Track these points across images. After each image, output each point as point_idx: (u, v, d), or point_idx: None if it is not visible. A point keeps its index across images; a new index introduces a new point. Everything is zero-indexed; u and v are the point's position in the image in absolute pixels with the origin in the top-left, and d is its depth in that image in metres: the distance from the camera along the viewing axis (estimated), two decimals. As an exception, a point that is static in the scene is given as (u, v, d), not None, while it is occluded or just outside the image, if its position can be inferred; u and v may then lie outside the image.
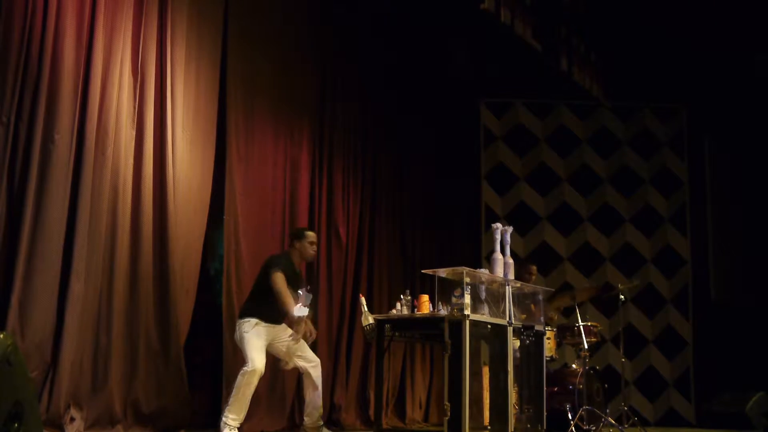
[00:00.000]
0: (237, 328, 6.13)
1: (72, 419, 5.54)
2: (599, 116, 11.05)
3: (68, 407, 5.55)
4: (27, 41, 5.55)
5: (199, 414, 6.78)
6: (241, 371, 5.90)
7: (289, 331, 6.15)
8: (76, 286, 5.70)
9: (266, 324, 6.08)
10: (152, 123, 6.38)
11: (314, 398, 6.27)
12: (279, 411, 7.26)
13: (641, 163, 11.03)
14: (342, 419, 7.97)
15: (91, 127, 5.87)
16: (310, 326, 6.15)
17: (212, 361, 7.06)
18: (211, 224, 7.09)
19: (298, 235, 6.46)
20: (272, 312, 6.07)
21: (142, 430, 5.98)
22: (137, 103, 6.29)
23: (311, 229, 7.50)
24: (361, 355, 8.47)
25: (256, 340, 5.99)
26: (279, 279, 5.98)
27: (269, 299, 6.03)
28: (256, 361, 5.89)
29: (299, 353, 6.23)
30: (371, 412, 8.27)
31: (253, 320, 6.05)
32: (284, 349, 6.22)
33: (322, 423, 6.36)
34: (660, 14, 9.49)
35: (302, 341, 6.15)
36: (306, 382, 6.31)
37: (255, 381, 5.90)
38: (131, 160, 6.21)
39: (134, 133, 6.26)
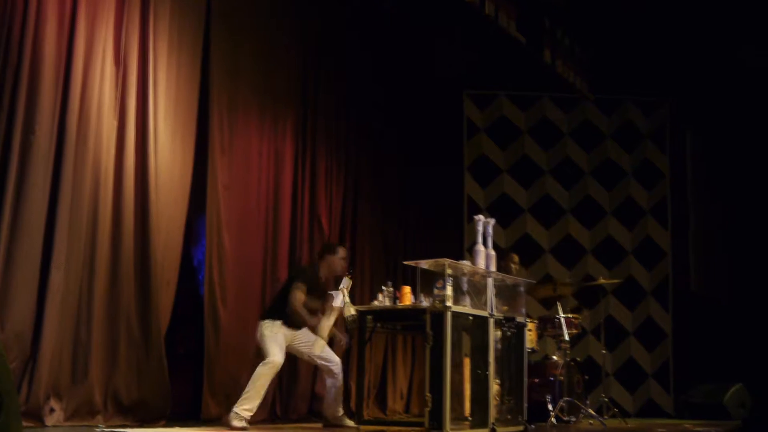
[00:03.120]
0: (259, 328, 6.37)
1: (52, 410, 5.52)
2: (582, 109, 11.09)
3: (48, 398, 5.52)
4: (7, 29, 5.49)
5: (180, 405, 6.76)
6: (261, 363, 6.15)
7: (308, 333, 6.47)
8: (57, 277, 5.66)
9: (288, 327, 6.35)
10: (134, 113, 6.34)
11: (336, 395, 6.57)
12: (261, 403, 7.24)
13: (623, 156, 11.09)
14: (323, 410, 7.97)
15: (73, 116, 5.83)
16: (339, 334, 6.68)
17: (194, 352, 7.05)
18: (193, 214, 7.07)
19: (330, 249, 6.76)
20: (295, 319, 6.36)
21: (123, 421, 5.96)
22: (119, 92, 6.24)
23: (297, 216, 7.84)
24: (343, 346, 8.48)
25: (276, 337, 6.26)
26: (297, 298, 6.31)
27: (286, 303, 6.35)
28: (276, 355, 6.17)
29: (318, 353, 6.50)
30: (352, 403, 8.28)
31: (278, 322, 6.33)
32: (305, 350, 6.50)
33: (342, 413, 6.66)
34: (644, 8, 9.52)
35: (320, 342, 6.47)
36: (328, 381, 6.59)
37: (272, 374, 6.17)
38: (113, 151, 6.17)
39: (116, 123, 6.21)
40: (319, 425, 6.84)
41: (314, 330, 6.43)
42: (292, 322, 6.36)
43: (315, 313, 6.51)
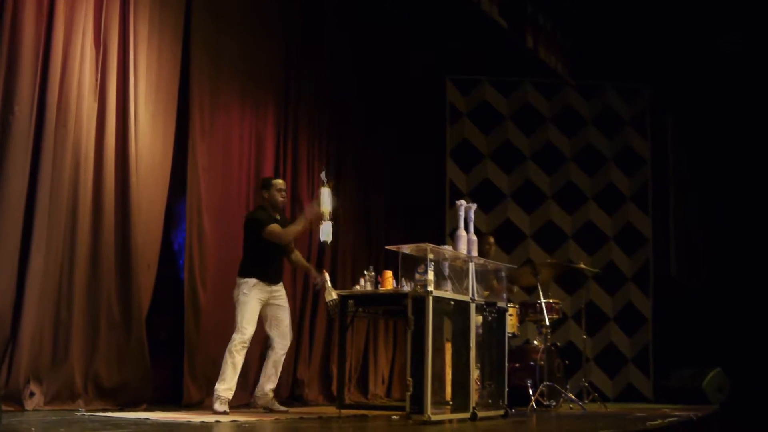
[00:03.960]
0: (236, 287, 6.29)
1: (32, 394, 5.50)
2: (564, 95, 11.10)
3: (28, 382, 5.50)
4: (-15, 11, 5.44)
5: (162, 389, 6.75)
6: (231, 340, 6.10)
7: (284, 294, 6.43)
8: (37, 260, 5.63)
9: (264, 284, 6.27)
10: (114, 95, 6.30)
11: (272, 375, 6.38)
12: (241, 386, 7.22)
13: (604, 142, 11.12)
14: (305, 394, 8.00)
15: (52, 99, 5.79)
16: (314, 271, 6.67)
17: (175, 336, 7.03)
18: (174, 198, 7.04)
19: (264, 184, 6.57)
20: (268, 270, 6.31)
21: (103, 405, 5.95)
22: (99, 75, 6.20)
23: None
24: (324, 330, 8.49)
25: (251, 306, 6.18)
26: (274, 229, 6.24)
27: (263, 257, 6.29)
28: (245, 330, 6.12)
29: (277, 323, 6.39)
30: (334, 387, 8.30)
31: (253, 280, 6.23)
32: (272, 312, 6.38)
33: (272, 396, 6.44)
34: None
35: (287, 315, 6.40)
36: (270, 355, 6.40)
37: (243, 349, 6.10)
38: (93, 133, 6.14)
39: (96, 105, 6.17)
40: (298, 409, 6.80)
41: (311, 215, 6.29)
42: (267, 275, 6.28)
43: (278, 255, 6.47)
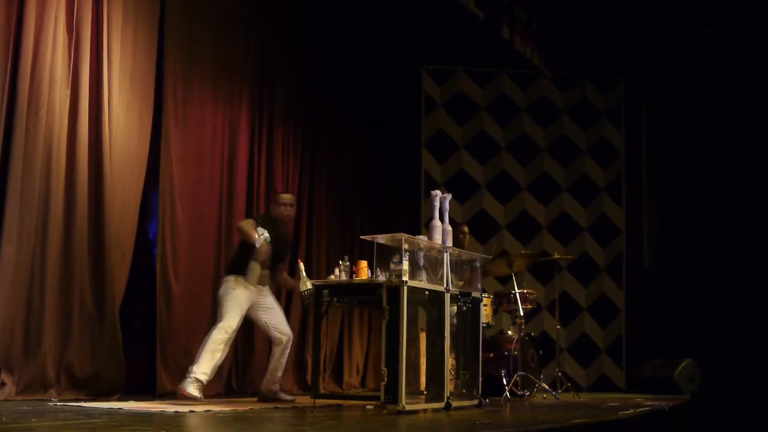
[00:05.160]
0: (222, 284, 6.33)
1: (3, 384, 5.46)
2: (539, 86, 11.12)
3: (-1, 372, 5.46)
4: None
5: (136, 379, 6.72)
6: (215, 327, 6.12)
7: (272, 295, 6.50)
8: (8, 250, 5.58)
9: (249, 284, 6.29)
10: (87, 83, 6.23)
11: (278, 369, 6.49)
12: (216, 376, 7.19)
13: (579, 133, 11.16)
14: (279, 384, 7.97)
15: (24, 86, 5.72)
16: (289, 281, 6.78)
17: (149, 326, 6.99)
18: (149, 187, 6.99)
19: (271, 198, 6.84)
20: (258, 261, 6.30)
21: (76, 395, 5.91)
22: (72, 62, 6.12)
23: (254, 190, 7.94)
24: (299, 320, 8.48)
25: (238, 298, 6.22)
26: (244, 222, 6.37)
27: (251, 258, 6.26)
28: (233, 319, 6.15)
29: (273, 323, 6.47)
30: (308, 377, 8.30)
31: (240, 278, 6.27)
32: (263, 315, 6.46)
33: (278, 388, 6.58)
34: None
35: (279, 312, 6.50)
36: (275, 352, 6.51)
37: (225, 339, 6.10)
38: (66, 121, 6.07)
39: (69, 92, 6.10)
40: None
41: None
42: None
43: (282, 259, 6.61)
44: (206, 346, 6.04)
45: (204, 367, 5.99)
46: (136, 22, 6.73)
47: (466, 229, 8.32)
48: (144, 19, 6.82)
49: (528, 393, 7.69)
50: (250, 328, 7.16)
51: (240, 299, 6.23)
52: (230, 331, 6.13)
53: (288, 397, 6.54)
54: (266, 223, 6.34)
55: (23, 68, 5.72)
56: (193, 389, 5.89)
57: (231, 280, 6.29)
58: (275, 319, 6.49)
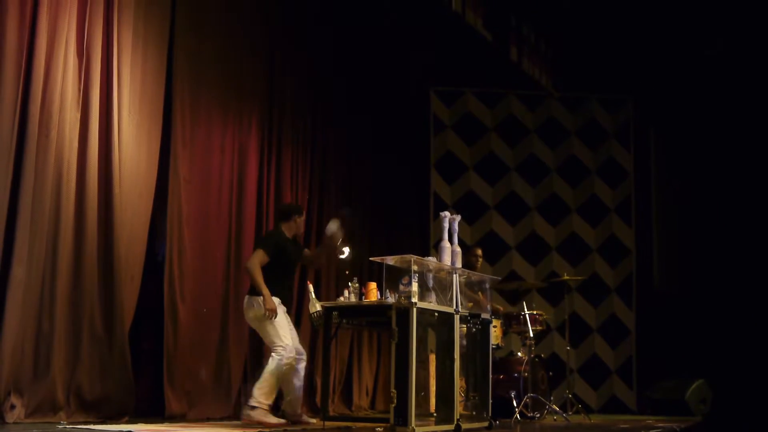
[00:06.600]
0: (249, 307, 6.25)
1: (12, 407, 5.44)
2: (547, 106, 11.12)
3: (8, 394, 5.44)
4: (-33, 19, 5.40)
5: (145, 401, 6.70)
6: (276, 358, 6.05)
7: (288, 317, 6.39)
8: (18, 271, 5.58)
9: (278, 300, 6.24)
10: (98, 105, 6.26)
11: (297, 389, 6.39)
12: (224, 399, 7.21)
13: (588, 153, 11.14)
14: (284, 406, 7.94)
15: (35, 109, 5.74)
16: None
17: (158, 348, 6.98)
18: (159, 209, 7.00)
19: (286, 215, 6.70)
20: (283, 289, 6.34)
21: (85, 418, 5.89)
22: (82, 84, 6.16)
23: (263, 212, 7.89)
24: (308, 342, 8.45)
25: (281, 319, 6.16)
26: (254, 260, 6.19)
27: (277, 275, 6.26)
28: (287, 342, 6.09)
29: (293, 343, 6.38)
30: (318, 399, 8.27)
31: (276, 299, 6.18)
32: None
33: (301, 410, 6.52)
34: (609, 6, 9.60)
35: (295, 331, 6.41)
36: (294, 376, 6.40)
37: (290, 369, 6.10)
38: (76, 144, 6.09)
39: (79, 115, 6.12)
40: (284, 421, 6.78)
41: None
42: (281, 293, 6.29)
43: (291, 275, 6.59)
44: (273, 374, 6.06)
45: (265, 396, 6.05)
46: (146, 45, 6.77)
47: (479, 251, 8.26)
48: (153, 42, 6.86)
49: (538, 415, 7.65)
50: (260, 344, 7.09)
51: (282, 319, 6.19)
52: (293, 357, 6.14)
53: (312, 421, 6.48)
54: (281, 238, 6.39)
55: (34, 91, 5.75)
56: (263, 416, 5.97)
57: (259, 299, 6.20)
58: (294, 339, 6.42)
